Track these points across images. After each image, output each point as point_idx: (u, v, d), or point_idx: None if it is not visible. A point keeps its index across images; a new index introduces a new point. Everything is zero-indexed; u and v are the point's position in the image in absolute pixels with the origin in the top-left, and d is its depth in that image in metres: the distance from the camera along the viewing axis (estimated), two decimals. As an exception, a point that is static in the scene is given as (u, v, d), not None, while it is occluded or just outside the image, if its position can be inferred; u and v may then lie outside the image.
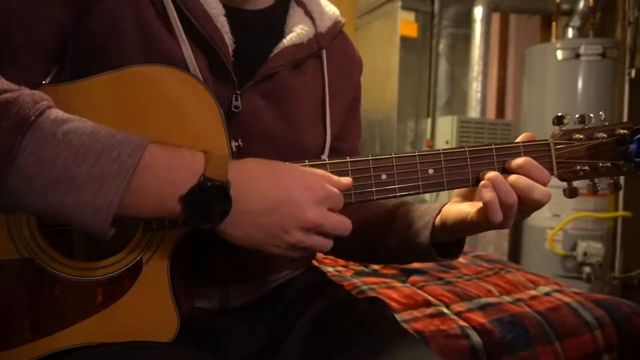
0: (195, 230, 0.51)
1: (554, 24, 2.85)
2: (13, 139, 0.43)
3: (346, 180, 0.56)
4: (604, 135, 0.63)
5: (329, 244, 0.54)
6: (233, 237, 0.51)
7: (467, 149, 0.61)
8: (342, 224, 0.54)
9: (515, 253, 2.78)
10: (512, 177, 0.59)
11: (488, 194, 0.57)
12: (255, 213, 0.50)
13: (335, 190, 0.54)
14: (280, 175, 0.52)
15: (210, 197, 0.48)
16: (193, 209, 0.48)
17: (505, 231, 2.64)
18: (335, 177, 0.55)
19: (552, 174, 0.63)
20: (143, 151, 0.46)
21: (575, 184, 0.65)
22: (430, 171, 0.60)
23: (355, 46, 0.83)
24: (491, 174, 0.59)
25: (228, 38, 0.63)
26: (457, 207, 0.65)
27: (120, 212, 0.46)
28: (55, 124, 0.45)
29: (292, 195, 0.51)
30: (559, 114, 0.63)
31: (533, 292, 1.31)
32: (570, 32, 2.70)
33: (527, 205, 0.59)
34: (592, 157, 0.64)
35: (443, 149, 0.61)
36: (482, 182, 0.59)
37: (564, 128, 0.64)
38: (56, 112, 0.46)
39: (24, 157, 0.43)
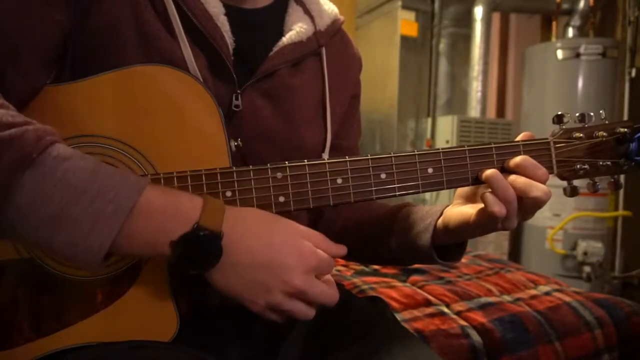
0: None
1: (554, 23, 2.85)
2: (12, 175, 0.43)
3: (341, 249, 0.57)
4: (604, 133, 0.63)
5: (310, 313, 0.53)
6: (215, 283, 0.51)
7: (466, 148, 0.61)
8: (328, 295, 0.53)
9: (515, 252, 2.78)
10: (511, 177, 0.59)
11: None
12: (242, 267, 0.50)
13: (326, 256, 0.54)
14: (275, 235, 0.52)
15: (200, 246, 0.48)
16: (181, 256, 0.48)
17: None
18: (329, 243, 0.55)
19: (552, 172, 0.62)
20: (139, 194, 0.46)
21: (576, 182, 0.65)
22: (430, 170, 0.60)
23: (354, 44, 0.83)
24: (489, 171, 0.59)
25: (228, 37, 0.63)
26: (459, 209, 0.65)
27: (111, 250, 0.46)
28: (56, 161, 0.45)
29: (282, 259, 0.51)
30: (559, 113, 0.63)
31: (533, 292, 1.31)
32: (570, 32, 2.70)
33: (528, 204, 0.59)
34: (592, 155, 0.63)
35: (442, 148, 0.61)
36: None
37: (563, 127, 0.64)
38: (58, 149, 0.46)
39: (21, 194, 0.43)
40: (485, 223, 0.60)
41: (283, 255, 0.51)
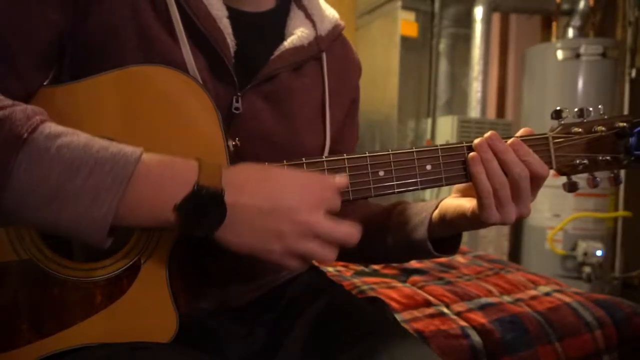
0: (190, 238, 0.51)
1: (554, 23, 2.85)
2: (7, 156, 0.43)
3: (341, 178, 0.55)
4: (603, 128, 0.62)
5: (328, 253, 0.52)
6: (227, 243, 0.50)
7: (464, 144, 0.61)
8: (341, 230, 0.52)
9: (515, 253, 2.78)
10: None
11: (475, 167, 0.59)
12: (249, 219, 0.50)
13: (328, 187, 0.53)
14: (273, 181, 0.52)
15: (204, 205, 0.48)
16: (187, 218, 0.48)
17: (506, 231, 2.64)
18: (329, 178, 0.54)
19: (551, 167, 0.62)
20: (136, 163, 0.46)
21: (575, 179, 0.65)
22: (428, 167, 0.60)
23: (354, 50, 0.83)
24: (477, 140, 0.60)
25: (230, 40, 0.62)
26: (456, 201, 0.65)
27: (116, 223, 0.46)
28: (49, 139, 0.45)
29: (285, 202, 0.50)
30: (558, 108, 0.62)
31: (533, 292, 1.31)
32: (570, 32, 2.70)
33: (533, 178, 0.59)
34: (591, 150, 0.63)
35: (441, 145, 0.61)
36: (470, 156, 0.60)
37: (562, 122, 0.63)
38: (49, 127, 0.46)
39: (18, 174, 0.43)
40: (480, 214, 0.59)
41: (285, 199, 0.50)
